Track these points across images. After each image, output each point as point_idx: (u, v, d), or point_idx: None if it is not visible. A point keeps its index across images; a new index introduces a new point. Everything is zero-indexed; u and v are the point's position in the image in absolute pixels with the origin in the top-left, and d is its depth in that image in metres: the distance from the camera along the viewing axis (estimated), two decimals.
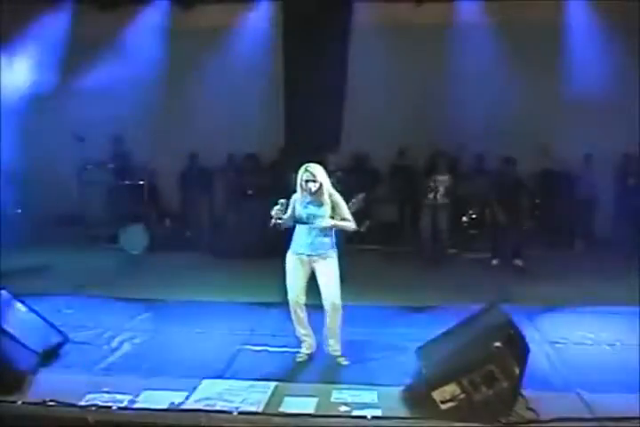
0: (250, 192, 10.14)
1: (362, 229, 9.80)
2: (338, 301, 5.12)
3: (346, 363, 5.16)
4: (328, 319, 5.16)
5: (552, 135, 9.66)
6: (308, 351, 5.27)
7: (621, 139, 9.43)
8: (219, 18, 10.40)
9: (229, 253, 9.20)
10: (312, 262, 5.17)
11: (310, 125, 9.35)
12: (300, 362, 5.20)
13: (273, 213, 5.04)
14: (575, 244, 9.88)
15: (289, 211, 5.14)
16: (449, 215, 9.16)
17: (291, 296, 5.19)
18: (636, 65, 9.34)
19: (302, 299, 5.19)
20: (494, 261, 9.01)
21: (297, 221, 5.16)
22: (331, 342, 5.22)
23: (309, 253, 5.15)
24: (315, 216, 5.11)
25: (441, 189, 8.92)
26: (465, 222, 10.09)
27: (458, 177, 9.54)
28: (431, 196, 8.95)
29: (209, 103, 10.28)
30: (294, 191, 5.19)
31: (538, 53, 9.69)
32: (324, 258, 5.15)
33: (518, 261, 8.82)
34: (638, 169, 9.77)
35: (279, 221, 5.09)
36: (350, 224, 5.19)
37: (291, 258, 5.22)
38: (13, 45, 9.76)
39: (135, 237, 9.66)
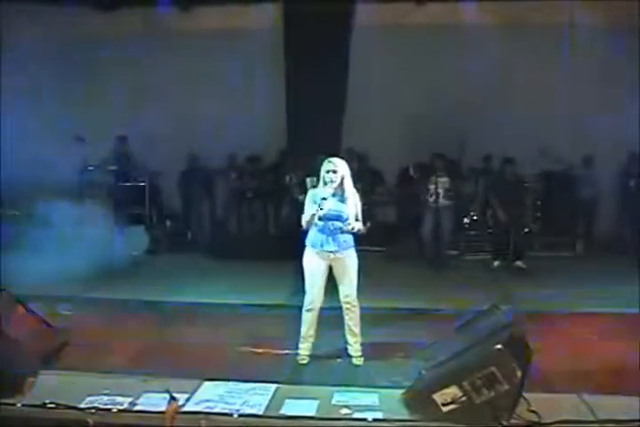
0: (249, 195, 10.14)
1: (363, 231, 9.86)
2: (355, 300, 5.11)
3: (359, 363, 5.16)
4: (347, 318, 5.15)
5: (554, 136, 9.66)
6: (309, 353, 5.22)
7: (623, 139, 9.42)
8: (219, 19, 10.41)
9: (230, 255, 9.19)
10: (332, 260, 5.10)
11: (312, 128, 9.34)
12: (303, 364, 5.16)
13: (314, 211, 4.96)
14: (577, 245, 9.86)
15: (311, 208, 5.03)
16: (451, 217, 9.14)
17: (311, 296, 5.10)
18: (636, 65, 9.34)
19: (322, 299, 5.14)
20: (496, 263, 8.99)
21: (320, 217, 5.03)
22: (352, 340, 5.19)
23: (332, 249, 5.06)
24: (338, 211, 5.05)
25: (441, 191, 8.91)
26: (466, 224, 10.08)
27: (458, 178, 9.53)
28: (432, 198, 8.93)
29: (210, 105, 10.28)
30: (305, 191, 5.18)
31: (540, 53, 9.70)
32: (346, 256, 5.10)
33: (520, 263, 8.81)
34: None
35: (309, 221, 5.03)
36: (359, 226, 5.16)
37: (312, 256, 5.12)
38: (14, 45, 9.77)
39: (136, 239, 9.64)
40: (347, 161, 9.86)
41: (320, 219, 5.03)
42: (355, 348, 5.21)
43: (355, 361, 5.18)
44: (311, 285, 5.12)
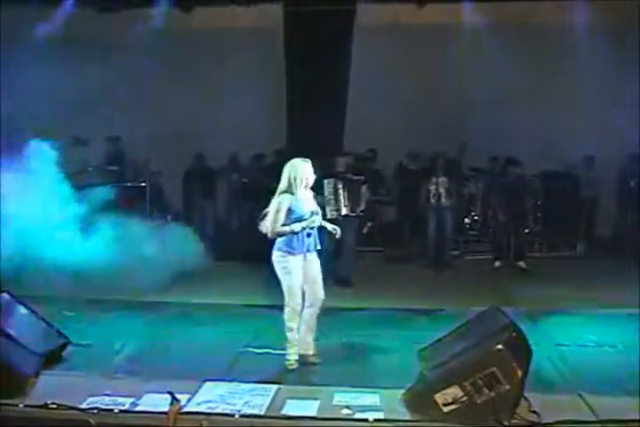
0: (249, 196, 10.10)
1: (364, 231, 9.87)
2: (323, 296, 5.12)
3: (318, 361, 5.12)
4: (308, 316, 5.10)
5: (555, 136, 9.67)
6: (297, 357, 5.14)
7: (624, 140, 9.42)
8: (219, 19, 10.41)
9: (231, 256, 9.19)
10: (305, 260, 5.06)
11: (312, 128, 9.34)
12: (294, 369, 5.07)
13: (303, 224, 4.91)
14: (578, 246, 9.86)
15: (283, 214, 4.90)
16: (452, 217, 9.12)
17: (297, 300, 5.03)
18: (636, 65, 9.34)
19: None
20: (497, 263, 8.99)
21: (299, 219, 4.93)
22: (308, 339, 5.14)
23: (309, 250, 5.05)
24: (315, 212, 5.05)
25: (442, 191, 8.89)
26: (468, 224, 10.08)
27: (459, 178, 9.53)
28: (434, 198, 8.91)
29: (210, 104, 10.29)
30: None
31: (540, 54, 9.70)
32: (314, 254, 5.10)
33: (521, 263, 8.80)
34: None
35: (281, 229, 4.91)
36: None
37: (295, 259, 4.99)
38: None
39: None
40: (368, 160, 9.92)
41: (304, 220, 4.97)
42: (311, 346, 5.17)
43: (315, 359, 5.13)
44: (297, 290, 5.02)
